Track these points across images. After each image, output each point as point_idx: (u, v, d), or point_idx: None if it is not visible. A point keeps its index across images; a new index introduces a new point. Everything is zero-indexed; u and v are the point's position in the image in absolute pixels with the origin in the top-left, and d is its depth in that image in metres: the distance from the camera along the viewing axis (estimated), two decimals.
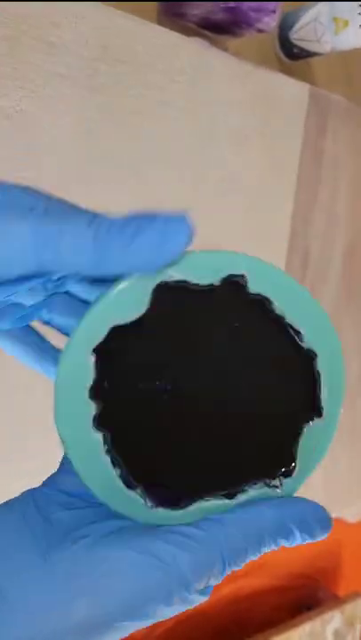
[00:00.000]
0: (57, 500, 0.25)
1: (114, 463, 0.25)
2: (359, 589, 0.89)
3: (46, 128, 0.53)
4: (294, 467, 0.28)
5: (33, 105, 0.51)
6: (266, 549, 0.25)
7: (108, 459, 0.24)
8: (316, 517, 0.26)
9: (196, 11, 0.68)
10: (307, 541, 0.26)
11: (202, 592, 0.24)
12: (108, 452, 0.25)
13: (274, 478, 0.27)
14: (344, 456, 0.88)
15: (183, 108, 0.63)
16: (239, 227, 0.70)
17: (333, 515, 0.89)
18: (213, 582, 0.24)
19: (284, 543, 0.25)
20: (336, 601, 0.86)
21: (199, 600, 0.24)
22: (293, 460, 0.27)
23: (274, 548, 0.25)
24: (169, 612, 0.23)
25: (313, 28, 0.80)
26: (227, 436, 0.26)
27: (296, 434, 0.27)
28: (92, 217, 0.23)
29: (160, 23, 0.66)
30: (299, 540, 0.26)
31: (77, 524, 0.23)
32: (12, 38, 0.49)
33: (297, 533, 0.25)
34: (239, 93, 0.68)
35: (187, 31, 0.69)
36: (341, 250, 0.85)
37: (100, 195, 0.56)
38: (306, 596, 0.90)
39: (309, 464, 0.28)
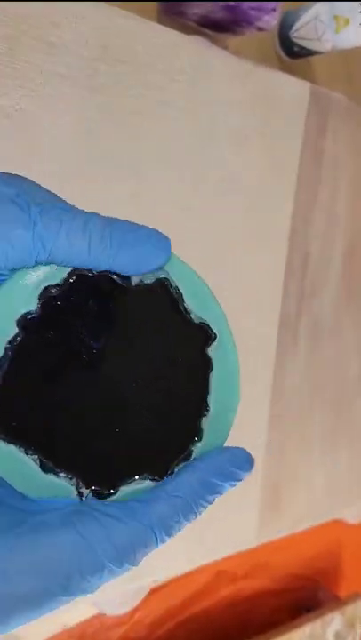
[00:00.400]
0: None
1: (28, 451, 0.26)
2: (360, 590, 0.89)
3: (46, 128, 0.52)
4: (201, 434, 0.29)
5: (33, 104, 0.51)
6: (200, 509, 0.27)
7: (21, 449, 0.26)
8: (236, 463, 0.28)
9: (196, 9, 0.67)
10: (236, 485, 0.28)
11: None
12: (22, 444, 0.26)
13: (188, 451, 0.28)
14: (344, 457, 0.88)
15: (183, 108, 0.62)
16: (239, 227, 0.70)
17: (334, 516, 0.89)
18: (150, 550, 0.26)
19: (216, 496, 0.27)
20: (336, 602, 0.86)
21: (129, 569, 0.26)
22: (200, 431, 0.29)
23: (207, 504, 0.27)
24: (102, 583, 0.25)
25: (313, 27, 0.80)
26: (138, 424, 0.28)
27: (201, 409, 0.29)
28: (87, 220, 0.25)
29: (160, 22, 0.66)
30: (227, 488, 0.28)
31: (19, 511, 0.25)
32: (12, 38, 0.49)
33: (223, 484, 0.27)
34: (239, 92, 0.68)
35: (187, 30, 0.68)
36: (342, 250, 0.85)
37: (100, 194, 0.56)
38: (306, 598, 0.90)
39: (223, 424, 0.30)
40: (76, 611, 0.76)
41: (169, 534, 0.26)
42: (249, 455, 0.28)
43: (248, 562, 0.88)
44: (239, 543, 0.75)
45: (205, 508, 0.27)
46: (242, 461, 0.28)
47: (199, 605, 0.81)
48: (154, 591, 0.80)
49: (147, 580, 0.73)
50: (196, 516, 0.27)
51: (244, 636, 0.76)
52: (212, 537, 0.71)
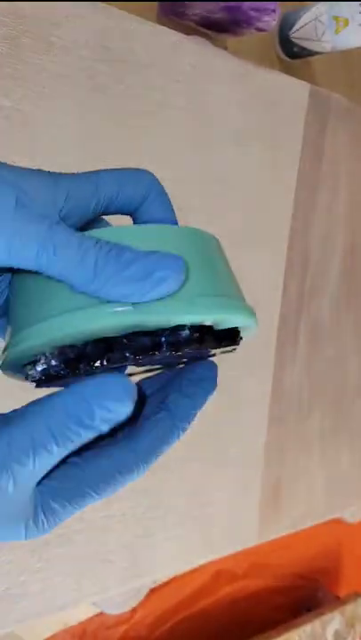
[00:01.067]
0: None
1: None
2: (359, 590, 0.89)
3: (46, 128, 0.52)
4: None
5: (33, 105, 0.51)
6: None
7: None
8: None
9: (196, 10, 0.68)
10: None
11: None
12: None
13: None
14: (344, 456, 0.88)
15: (183, 108, 0.62)
16: (239, 227, 0.70)
17: (333, 515, 0.89)
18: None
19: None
20: (336, 602, 0.86)
21: None
22: None
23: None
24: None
25: (313, 27, 0.80)
26: None
27: None
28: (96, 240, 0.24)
29: (160, 22, 0.66)
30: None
31: None
32: (12, 38, 0.49)
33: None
34: (239, 93, 0.68)
35: (187, 30, 0.68)
36: (342, 250, 0.85)
37: None
38: (306, 597, 0.90)
39: None
40: (76, 610, 0.76)
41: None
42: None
43: (248, 561, 0.88)
44: (239, 542, 0.75)
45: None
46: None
47: (199, 605, 0.81)
48: (154, 590, 0.80)
49: (147, 580, 0.73)
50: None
51: (244, 635, 0.76)
52: (211, 536, 0.71)
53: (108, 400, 0.23)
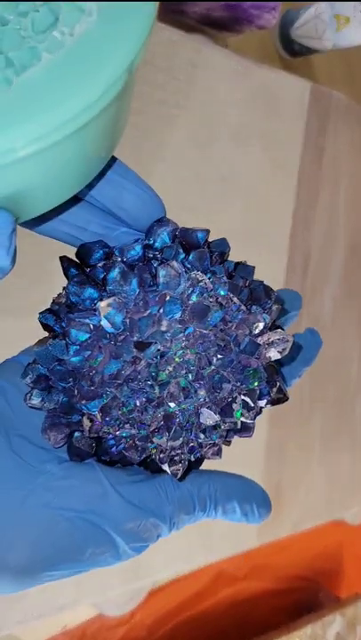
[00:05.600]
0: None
1: None
2: (360, 591, 0.88)
3: None
4: None
5: None
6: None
7: None
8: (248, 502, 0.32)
9: (197, 8, 0.67)
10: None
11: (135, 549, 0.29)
12: None
13: None
14: (345, 457, 0.88)
15: (183, 107, 0.62)
16: (239, 227, 0.70)
17: (334, 517, 0.89)
18: (148, 541, 0.29)
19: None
20: (337, 603, 0.86)
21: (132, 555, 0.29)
22: None
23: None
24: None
25: (314, 25, 0.79)
26: None
27: None
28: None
29: (160, 20, 0.66)
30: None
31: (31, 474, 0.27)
32: None
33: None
34: (239, 91, 0.67)
35: (187, 28, 0.68)
36: (343, 249, 0.84)
37: None
38: (306, 599, 0.90)
39: None
40: (76, 612, 0.76)
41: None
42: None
43: (248, 563, 0.87)
44: (239, 544, 0.75)
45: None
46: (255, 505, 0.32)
47: (199, 606, 0.81)
48: (154, 592, 0.80)
49: (147, 581, 0.72)
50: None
51: (244, 637, 0.76)
52: (212, 538, 0.71)
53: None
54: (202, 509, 0.30)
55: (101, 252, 0.27)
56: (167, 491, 0.29)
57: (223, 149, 0.67)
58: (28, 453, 0.27)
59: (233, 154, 0.68)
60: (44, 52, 0.19)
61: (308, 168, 0.77)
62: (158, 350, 0.26)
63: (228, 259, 0.30)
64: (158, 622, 0.79)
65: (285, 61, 0.85)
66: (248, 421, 0.28)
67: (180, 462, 0.28)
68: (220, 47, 0.66)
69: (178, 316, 0.26)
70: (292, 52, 0.84)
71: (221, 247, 0.29)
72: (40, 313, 0.28)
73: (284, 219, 0.76)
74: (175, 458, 0.28)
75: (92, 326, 0.26)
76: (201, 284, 0.26)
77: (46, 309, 0.28)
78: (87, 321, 0.26)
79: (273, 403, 0.29)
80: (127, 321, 0.26)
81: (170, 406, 0.26)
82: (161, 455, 0.27)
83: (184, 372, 0.26)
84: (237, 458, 0.72)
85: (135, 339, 0.26)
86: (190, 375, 0.26)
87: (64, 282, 0.28)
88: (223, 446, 0.30)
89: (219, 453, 0.29)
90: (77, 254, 0.27)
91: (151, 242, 0.27)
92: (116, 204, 0.27)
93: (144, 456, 0.28)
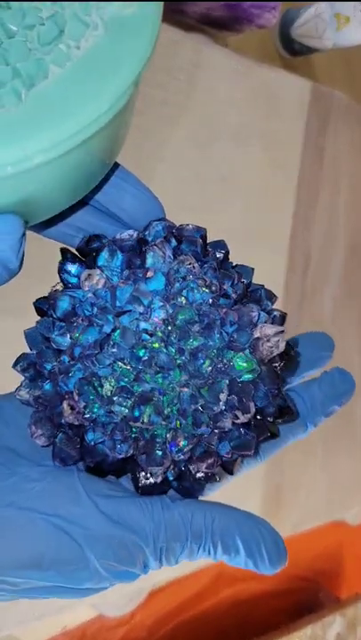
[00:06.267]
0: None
1: None
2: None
3: None
4: None
5: None
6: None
7: None
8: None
9: (197, 7, 0.67)
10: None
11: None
12: None
13: None
14: (346, 458, 0.88)
15: (183, 106, 0.62)
16: (239, 227, 0.69)
17: (334, 517, 0.88)
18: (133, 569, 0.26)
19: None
20: (337, 604, 0.86)
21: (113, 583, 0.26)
22: None
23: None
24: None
25: (314, 25, 0.79)
26: None
27: None
28: None
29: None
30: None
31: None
32: None
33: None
34: (240, 90, 0.67)
35: (187, 27, 0.68)
36: (343, 249, 0.84)
37: None
38: (307, 599, 0.90)
39: None
40: (75, 612, 0.75)
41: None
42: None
43: None
44: None
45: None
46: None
47: (199, 607, 0.81)
48: (154, 593, 0.79)
49: (147, 582, 0.72)
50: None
51: (245, 638, 0.76)
52: None
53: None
54: (196, 540, 0.26)
55: (98, 242, 0.27)
56: (153, 510, 0.26)
57: (223, 149, 0.67)
58: (8, 461, 0.26)
59: (233, 154, 0.68)
60: (51, 65, 0.20)
61: (309, 168, 0.77)
62: (137, 319, 0.25)
63: (229, 261, 0.30)
64: (158, 623, 0.79)
65: (286, 61, 0.85)
66: (247, 437, 0.26)
67: (163, 458, 0.25)
68: (221, 47, 0.66)
69: (161, 288, 0.26)
70: (293, 52, 0.84)
71: (218, 248, 0.28)
72: (37, 299, 0.28)
73: (284, 219, 0.75)
74: (157, 450, 0.25)
75: (76, 299, 0.26)
76: (188, 266, 0.26)
77: (42, 297, 0.28)
78: (72, 293, 0.27)
79: (278, 412, 0.27)
80: (109, 291, 0.26)
81: (146, 381, 0.25)
82: (140, 444, 0.26)
83: (164, 345, 0.25)
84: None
85: (115, 309, 0.26)
86: (171, 349, 0.25)
87: None
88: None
89: (212, 467, 0.26)
90: (77, 250, 0.28)
91: (146, 234, 0.27)
92: (117, 206, 0.27)
93: (126, 449, 0.26)
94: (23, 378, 0.27)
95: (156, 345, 0.25)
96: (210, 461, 0.26)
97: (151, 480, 0.26)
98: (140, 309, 0.25)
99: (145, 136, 0.59)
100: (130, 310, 0.25)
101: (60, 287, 0.28)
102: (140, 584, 0.71)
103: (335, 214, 0.82)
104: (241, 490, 0.77)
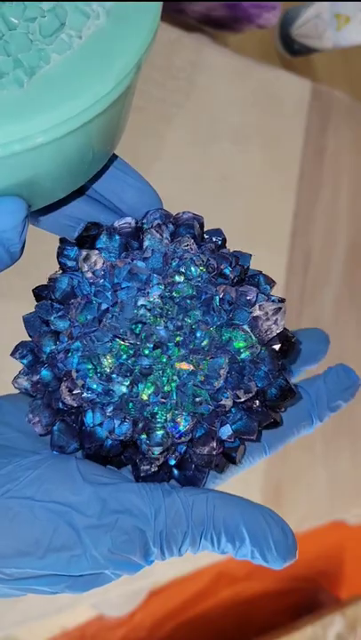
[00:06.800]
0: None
1: None
2: None
3: None
4: None
5: None
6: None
7: None
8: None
9: (197, 7, 0.67)
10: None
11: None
12: None
13: None
14: (346, 458, 0.88)
15: (183, 106, 0.62)
16: (239, 226, 0.69)
17: (335, 517, 0.88)
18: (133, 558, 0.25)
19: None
20: (337, 604, 0.86)
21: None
22: None
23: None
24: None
25: (314, 25, 0.79)
26: None
27: None
28: None
29: (160, 19, 0.66)
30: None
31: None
32: None
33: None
34: (240, 90, 0.67)
35: (187, 27, 0.68)
36: (343, 248, 0.84)
37: None
38: (307, 599, 0.90)
39: None
40: (75, 612, 0.75)
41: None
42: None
43: (249, 563, 0.87)
44: None
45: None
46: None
47: (199, 607, 0.81)
48: (154, 593, 0.79)
49: (146, 582, 0.72)
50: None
51: (245, 638, 0.76)
52: None
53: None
54: (197, 526, 0.25)
55: (96, 230, 0.27)
56: (153, 495, 0.25)
57: (223, 149, 0.67)
58: (7, 454, 0.25)
59: (233, 153, 0.68)
60: (53, 54, 0.20)
61: (309, 168, 0.77)
62: (135, 296, 0.25)
63: None
64: (158, 623, 0.79)
65: (286, 61, 0.85)
66: (249, 420, 0.26)
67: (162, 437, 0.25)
68: (221, 46, 0.66)
69: (159, 267, 0.26)
70: (293, 52, 0.84)
71: (216, 235, 0.29)
72: (36, 287, 0.28)
73: (284, 218, 0.75)
74: (155, 428, 0.25)
75: (74, 279, 0.26)
76: (186, 247, 0.26)
77: (42, 284, 0.28)
78: (70, 275, 0.27)
79: (280, 394, 0.27)
80: (107, 270, 0.26)
81: (145, 356, 0.25)
82: (140, 425, 0.25)
83: (163, 321, 0.25)
84: None
85: (114, 287, 0.26)
86: (170, 325, 0.25)
87: None
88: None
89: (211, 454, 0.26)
90: (76, 239, 0.28)
91: (144, 222, 0.28)
92: (117, 197, 0.27)
93: (126, 430, 0.25)
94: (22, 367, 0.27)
95: (155, 320, 0.25)
96: (212, 445, 0.26)
97: (152, 468, 0.26)
98: (138, 285, 0.25)
99: (144, 135, 0.59)
100: (128, 287, 0.25)
101: (59, 273, 0.28)
102: (140, 584, 0.71)
103: (335, 214, 0.82)
104: (241, 490, 0.77)
